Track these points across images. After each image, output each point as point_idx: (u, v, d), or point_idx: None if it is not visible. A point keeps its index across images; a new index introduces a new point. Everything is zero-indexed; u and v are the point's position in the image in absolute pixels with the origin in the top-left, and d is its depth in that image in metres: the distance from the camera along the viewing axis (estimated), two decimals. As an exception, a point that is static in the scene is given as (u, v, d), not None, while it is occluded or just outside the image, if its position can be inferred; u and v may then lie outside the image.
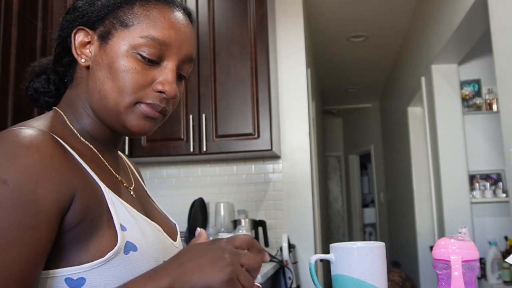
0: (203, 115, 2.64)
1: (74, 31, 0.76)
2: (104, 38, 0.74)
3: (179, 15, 0.77)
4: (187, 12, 0.80)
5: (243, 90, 2.63)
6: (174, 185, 3.07)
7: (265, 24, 2.67)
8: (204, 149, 2.61)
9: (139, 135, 0.77)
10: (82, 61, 0.75)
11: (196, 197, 2.90)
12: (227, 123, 2.63)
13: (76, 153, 0.70)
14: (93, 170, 0.70)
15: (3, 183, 0.58)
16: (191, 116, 2.65)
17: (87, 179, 0.68)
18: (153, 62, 0.74)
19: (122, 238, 0.67)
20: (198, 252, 0.62)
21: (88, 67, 0.76)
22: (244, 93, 2.63)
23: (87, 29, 0.76)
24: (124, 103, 0.73)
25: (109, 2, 0.75)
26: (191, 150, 2.63)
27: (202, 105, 2.67)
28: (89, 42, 0.76)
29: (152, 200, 0.91)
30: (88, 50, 0.76)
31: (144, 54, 0.73)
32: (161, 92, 0.74)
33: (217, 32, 2.71)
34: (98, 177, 0.70)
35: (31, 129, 0.65)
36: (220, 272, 0.59)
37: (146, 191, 0.91)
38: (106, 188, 0.70)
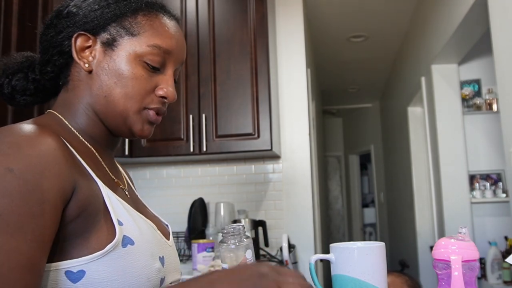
0: (203, 115, 2.64)
1: (75, 35, 0.78)
2: (110, 45, 0.78)
3: (176, 24, 0.84)
4: (177, 19, 0.86)
5: (243, 90, 2.63)
6: (174, 185, 3.07)
7: (265, 24, 2.66)
8: (204, 149, 2.61)
9: (141, 138, 0.83)
10: (85, 66, 0.78)
11: (196, 197, 2.90)
12: (227, 123, 2.63)
13: (74, 150, 0.72)
14: (90, 167, 0.72)
15: (9, 171, 0.60)
16: (191, 116, 2.65)
17: (85, 174, 0.70)
18: (156, 69, 0.80)
19: (120, 232, 0.69)
20: (231, 273, 0.66)
21: (90, 72, 0.78)
22: (244, 93, 2.63)
23: (88, 35, 0.78)
24: (133, 109, 0.78)
25: (113, 11, 0.78)
26: (191, 150, 2.63)
27: (202, 105, 2.67)
28: (89, 47, 0.79)
29: (143, 203, 0.93)
30: (88, 55, 0.78)
31: (149, 62, 0.78)
32: (163, 97, 0.81)
33: (217, 32, 2.71)
34: (95, 174, 0.73)
35: (32, 125, 0.67)
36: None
37: (137, 196, 0.94)
38: (103, 184, 0.72)
